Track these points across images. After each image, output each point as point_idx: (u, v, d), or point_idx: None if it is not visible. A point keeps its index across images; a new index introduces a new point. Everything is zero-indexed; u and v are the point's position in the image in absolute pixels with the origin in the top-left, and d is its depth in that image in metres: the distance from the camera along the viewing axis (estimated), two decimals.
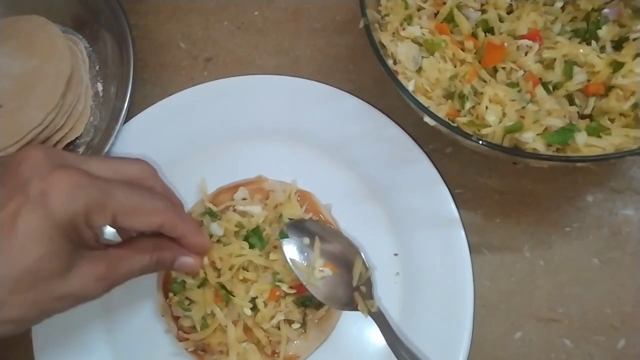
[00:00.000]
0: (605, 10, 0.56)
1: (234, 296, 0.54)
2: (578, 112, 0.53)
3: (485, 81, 0.54)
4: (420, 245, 0.57)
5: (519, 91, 0.53)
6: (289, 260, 0.54)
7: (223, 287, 0.54)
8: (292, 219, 0.57)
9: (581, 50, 0.54)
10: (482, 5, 0.58)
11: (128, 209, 0.43)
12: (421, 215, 0.58)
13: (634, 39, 0.54)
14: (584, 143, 0.49)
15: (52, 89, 0.62)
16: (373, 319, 0.53)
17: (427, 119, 0.49)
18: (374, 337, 0.56)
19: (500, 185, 0.60)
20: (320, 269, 0.54)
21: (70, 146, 0.66)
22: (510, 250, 0.59)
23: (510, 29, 0.56)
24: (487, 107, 0.52)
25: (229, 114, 0.64)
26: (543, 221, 0.59)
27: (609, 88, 0.53)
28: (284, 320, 0.54)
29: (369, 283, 0.55)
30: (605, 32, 0.55)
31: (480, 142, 0.48)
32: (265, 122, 0.63)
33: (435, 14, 0.58)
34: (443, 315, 0.55)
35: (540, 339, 0.56)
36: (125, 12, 0.66)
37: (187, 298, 0.55)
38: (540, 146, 0.49)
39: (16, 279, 0.38)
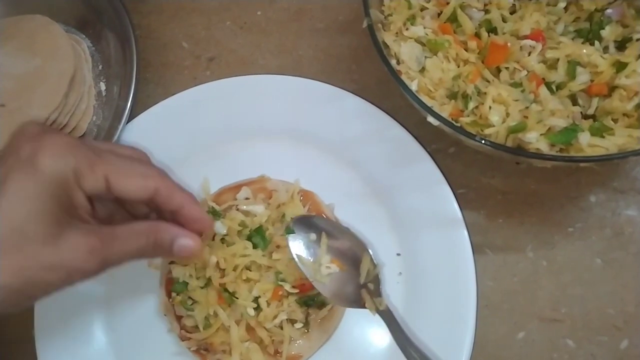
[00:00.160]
0: (609, 11, 0.56)
1: (237, 298, 0.54)
2: (581, 112, 0.53)
3: (488, 81, 0.54)
4: (423, 245, 0.57)
5: (523, 91, 0.52)
6: (295, 256, 0.54)
7: (226, 290, 0.54)
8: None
9: (584, 51, 0.54)
10: (485, 5, 0.58)
11: (121, 170, 0.43)
12: (424, 215, 0.58)
13: (637, 39, 0.53)
14: (587, 143, 0.49)
15: (55, 88, 0.62)
16: (381, 317, 0.53)
17: (430, 119, 0.50)
18: (377, 336, 0.56)
19: (503, 185, 0.60)
20: (327, 265, 0.54)
21: None
22: (513, 250, 0.59)
23: (514, 29, 0.56)
24: (490, 107, 0.52)
25: (231, 114, 0.64)
26: (546, 221, 0.59)
27: (612, 88, 0.53)
28: (287, 319, 0.54)
29: (376, 280, 0.55)
30: (609, 33, 0.55)
31: (484, 142, 0.48)
32: (268, 121, 0.63)
33: (439, 14, 0.58)
34: (446, 315, 0.55)
35: (543, 339, 0.56)
36: (128, 12, 0.66)
37: (189, 298, 0.55)
38: (543, 146, 0.49)
39: (3, 239, 0.37)
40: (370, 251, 0.56)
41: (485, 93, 0.53)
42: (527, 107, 0.52)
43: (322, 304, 0.55)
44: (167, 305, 0.57)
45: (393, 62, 0.54)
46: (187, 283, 0.55)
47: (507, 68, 0.55)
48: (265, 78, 0.65)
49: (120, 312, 0.59)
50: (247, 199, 0.59)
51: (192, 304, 0.55)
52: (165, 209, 0.46)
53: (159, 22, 0.72)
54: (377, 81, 0.65)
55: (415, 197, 0.58)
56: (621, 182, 0.60)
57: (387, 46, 0.55)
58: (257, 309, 0.54)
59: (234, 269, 0.55)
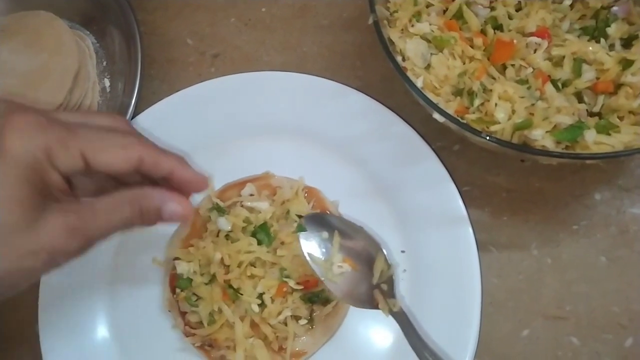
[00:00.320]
0: (614, 8, 0.56)
1: (241, 294, 0.54)
2: (587, 110, 0.53)
3: (494, 78, 0.54)
4: (427, 242, 0.57)
5: (528, 88, 0.52)
6: (306, 255, 0.53)
7: (230, 286, 0.54)
8: (299, 215, 0.57)
9: (590, 48, 0.54)
10: (491, 2, 0.58)
11: (97, 143, 0.39)
12: (429, 213, 0.58)
13: None
14: (593, 141, 0.49)
15: (59, 84, 0.62)
16: (395, 318, 0.52)
17: (436, 116, 0.49)
18: (381, 333, 0.56)
19: (508, 183, 0.60)
20: (339, 264, 0.53)
21: None
22: (518, 248, 0.58)
23: (519, 26, 0.56)
24: (496, 104, 0.52)
25: (236, 110, 0.64)
26: (551, 219, 0.59)
27: (618, 86, 0.53)
28: (291, 316, 0.54)
29: (390, 281, 0.54)
30: (615, 30, 0.55)
31: (490, 138, 0.48)
32: (272, 118, 0.63)
33: (444, 11, 0.58)
34: (450, 312, 0.55)
35: (548, 337, 0.56)
36: (133, 9, 0.66)
37: (194, 294, 0.55)
38: (549, 143, 0.49)
39: None
40: (384, 251, 0.55)
41: (491, 90, 0.53)
42: (532, 105, 0.51)
43: (326, 301, 0.55)
44: (171, 301, 0.57)
45: (398, 58, 0.54)
46: (192, 279, 0.55)
47: (512, 65, 0.55)
48: (269, 75, 0.65)
49: (124, 308, 0.59)
50: (251, 195, 0.59)
51: (196, 300, 0.55)
52: (154, 176, 0.43)
53: (164, 18, 0.72)
54: (382, 78, 0.65)
55: (420, 194, 0.58)
56: (626, 180, 0.60)
57: (392, 43, 0.55)
58: (262, 305, 0.54)
59: (239, 266, 0.54)
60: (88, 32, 0.71)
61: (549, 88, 0.52)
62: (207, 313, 0.54)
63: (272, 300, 0.54)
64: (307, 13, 0.70)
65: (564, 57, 0.54)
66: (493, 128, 0.50)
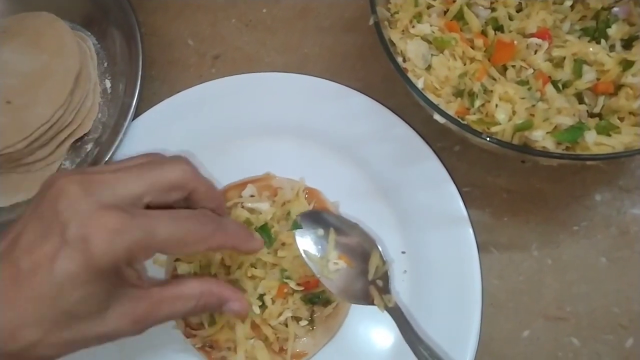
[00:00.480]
0: (615, 9, 0.56)
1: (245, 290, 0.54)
2: (587, 111, 0.53)
3: (495, 79, 0.54)
4: (428, 243, 0.57)
5: (529, 89, 0.52)
6: (302, 252, 0.53)
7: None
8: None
9: (591, 49, 0.54)
10: (491, 3, 0.58)
11: (171, 244, 0.41)
12: (429, 214, 0.58)
13: None
14: (593, 141, 0.49)
15: (61, 85, 0.62)
16: (390, 314, 0.53)
17: (436, 117, 0.49)
18: (382, 334, 0.56)
19: (509, 184, 0.60)
20: (335, 261, 0.53)
21: (78, 142, 0.66)
22: (519, 248, 0.58)
23: (520, 27, 0.56)
24: (496, 105, 0.52)
25: (236, 112, 0.64)
26: (551, 220, 0.59)
27: (618, 87, 0.53)
28: (292, 317, 0.54)
29: (385, 277, 0.55)
30: (615, 31, 0.55)
31: (490, 139, 0.48)
32: (273, 119, 0.63)
33: (445, 12, 0.58)
34: (451, 313, 0.55)
35: (548, 338, 0.56)
36: (134, 10, 0.67)
37: None
38: (549, 144, 0.49)
39: (53, 320, 0.37)
40: (379, 247, 0.55)
41: (491, 91, 0.53)
42: (533, 105, 0.51)
43: (327, 302, 0.55)
44: None
45: (399, 59, 0.54)
46: None
47: (513, 66, 0.55)
48: (270, 76, 0.65)
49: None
50: (252, 196, 0.60)
51: None
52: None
53: (165, 19, 0.72)
54: (383, 79, 0.65)
55: (420, 195, 0.58)
56: (627, 180, 0.60)
57: (393, 44, 0.55)
58: (262, 306, 0.54)
59: (239, 267, 0.55)
60: (89, 33, 0.71)
61: (549, 89, 0.52)
62: (207, 314, 0.54)
63: (273, 302, 0.54)
64: (308, 14, 0.70)
65: (564, 58, 0.54)
66: (493, 129, 0.50)
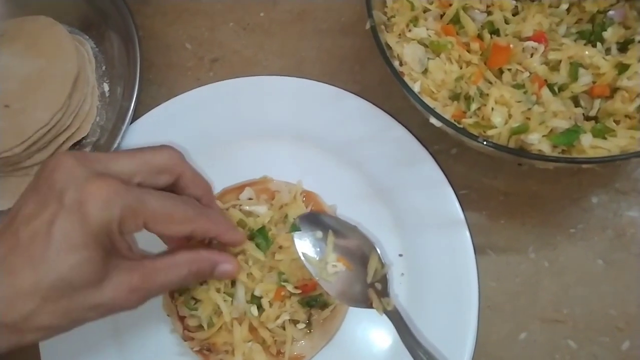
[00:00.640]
0: (611, 12, 0.56)
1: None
2: (583, 114, 0.53)
3: (491, 82, 0.55)
4: (425, 246, 0.58)
5: (525, 93, 0.53)
6: (300, 254, 0.53)
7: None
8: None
9: (586, 52, 0.54)
10: (487, 6, 0.58)
11: (159, 217, 0.43)
12: (426, 216, 0.58)
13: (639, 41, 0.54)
14: (589, 144, 0.49)
15: (59, 89, 0.62)
16: (389, 317, 0.53)
17: (433, 120, 0.50)
18: (379, 337, 0.56)
19: (505, 187, 0.61)
20: (334, 264, 0.53)
21: (77, 146, 0.66)
22: (515, 251, 0.59)
23: (516, 30, 0.56)
24: (492, 109, 0.52)
25: (234, 115, 0.64)
26: (548, 222, 0.59)
27: (614, 90, 0.53)
28: (289, 320, 0.54)
29: (384, 280, 0.55)
30: (611, 34, 0.55)
31: (486, 143, 0.48)
32: (271, 122, 0.64)
33: (441, 16, 0.58)
34: (448, 315, 0.55)
35: (545, 340, 0.56)
36: (132, 13, 0.67)
37: (192, 298, 0.56)
38: (545, 147, 0.49)
39: (50, 287, 0.38)
40: (378, 250, 0.55)
41: (487, 94, 0.53)
42: (529, 109, 0.52)
43: (324, 305, 0.55)
44: (170, 306, 0.57)
45: (396, 63, 0.54)
46: None
47: (509, 69, 0.55)
48: (268, 79, 0.65)
49: (124, 312, 0.59)
50: (250, 199, 0.60)
51: (195, 304, 0.55)
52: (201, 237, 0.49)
53: (163, 23, 0.72)
54: (380, 82, 0.65)
55: (417, 198, 0.59)
56: (623, 183, 0.60)
57: (389, 48, 0.55)
58: (260, 309, 0.54)
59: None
60: (87, 37, 0.71)
61: (545, 92, 0.53)
62: (207, 315, 0.54)
63: (271, 305, 0.54)
64: (306, 17, 0.71)
65: (560, 61, 0.54)
66: (490, 132, 0.51)
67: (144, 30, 0.71)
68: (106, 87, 0.69)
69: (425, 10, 0.58)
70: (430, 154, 0.59)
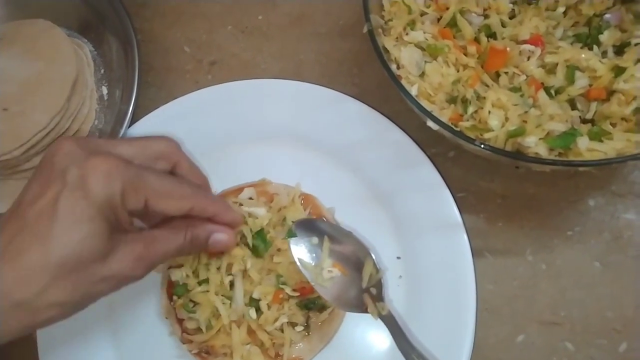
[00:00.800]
0: (607, 16, 0.56)
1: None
2: (580, 117, 0.53)
3: (487, 86, 0.55)
4: (423, 248, 0.58)
5: (522, 96, 0.53)
6: (296, 260, 0.54)
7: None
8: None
9: (583, 55, 0.54)
10: (484, 10, 0.58)
11: (160, 192, 0.45)
12: (424, 219, 0.58)
13: (636, 44, 0.54)
14: (586, 147, 0.49)
15: (57, 92, 0.63)
16: (383, 321, 0.53)
17: (430, 123, 0.50)
18: (377, 340, 0.56)
19: (503, 189, 0.61)
20: (329, 269, 0.54)
21: None
22: (513, 254, 0.59)
23: (513, 33, 0.57)
24: (489, 112, 0.52)
25: (233, 118, 0.64)
26: (545, 225, 0.59)
27: (610, 93, 0.53)
28: (288, 322, 0.54)
29: (379, 285, 0.55)
30: (607, 37, 0.55)
31: (483, 146, 0.48)
32: (269, 125, 0.64)
33: (438, 19, 0.59)
34: (446, 318, 0.55)
35: (543, 343, 0.56)
36: (130, 16, 0.67)
37: (191, 300, 0.56)
38: (542, 150, 0.50)
39: (59, 263, 0.39)
40: (373, 255, 0.56)
41: (484, 97, 0.53)
42: (526, 112, 0.52)
43: (322, 307, 0.55)
44: (169, 309, 0.57)
45: (393, 66, 0.55)
46: (187, 284, 0.56)
47: (506, 73, 0.55)
48: (266, 82, 0.65)
49: (122, 315, 0.59)
50: (250, 198, 0.60)
51: (193, 307, 0.55)
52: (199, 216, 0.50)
53: (161, 26, 0.72)
54: (378, 85, 0.65)
55: (415, 200, 0.59)
56: (619, 186, 0.60)
57: (387, 51, 0.55)
58: (258, 311, 0.54)
59: (229, 268, 0.55)
60: (86, 40, 0.71)
61: (542, 95, 0.53)
62: (205, 317, 0.55)
63: (269, 307, 0.54)
64: (304, 21, 0.71)
65: (557, 64, 0.55)
66: (487, 135, 0.51)
67: (143, 33, 0.71)
68: (105, 90, 0.69)
69: (422, 14, 0.58)
70: (428, 156, 0.59)
